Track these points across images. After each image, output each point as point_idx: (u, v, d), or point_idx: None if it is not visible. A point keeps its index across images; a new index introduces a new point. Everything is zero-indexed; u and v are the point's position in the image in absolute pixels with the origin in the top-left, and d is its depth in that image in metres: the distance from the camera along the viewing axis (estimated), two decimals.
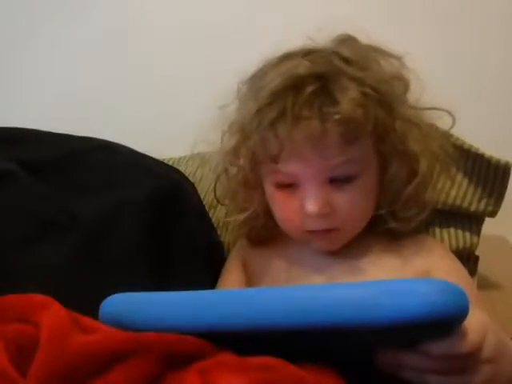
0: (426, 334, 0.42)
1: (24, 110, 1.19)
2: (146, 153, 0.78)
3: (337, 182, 0.61)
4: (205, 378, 0.40)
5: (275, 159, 0.60)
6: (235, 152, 0.66)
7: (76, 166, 0.71)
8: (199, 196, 0.76)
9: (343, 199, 0.61)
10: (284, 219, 0.65)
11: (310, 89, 0.58)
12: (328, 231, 0.62)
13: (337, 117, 0.57)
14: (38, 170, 0.69)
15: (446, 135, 0.70)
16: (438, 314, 0.38)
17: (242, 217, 0.69)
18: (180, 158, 0.92)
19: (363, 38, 0.67)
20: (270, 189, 0.65)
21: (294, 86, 0.59)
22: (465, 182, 0.71)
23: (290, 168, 0.61)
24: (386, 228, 0.64)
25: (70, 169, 0.71)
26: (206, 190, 0.81)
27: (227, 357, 0.43)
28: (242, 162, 0.65)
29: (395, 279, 0.45)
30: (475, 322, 0.43)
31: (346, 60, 0.62)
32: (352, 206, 0.61)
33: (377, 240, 0.66)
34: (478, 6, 1.02)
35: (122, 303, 0.49)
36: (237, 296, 0.45)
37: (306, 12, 1.04)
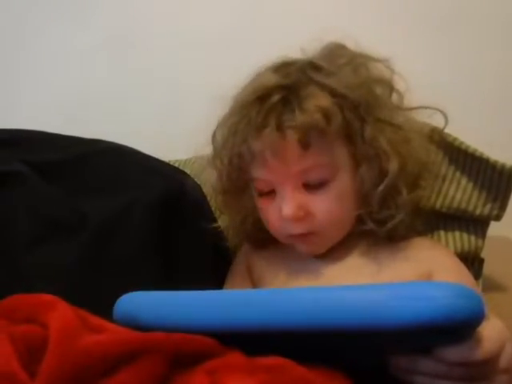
0: (441, 339, 0.42)
1: (27, 112, 1.20)
2: (153, 155, 0.78)
3: (311, 186, 0.62)
4: (213, 379, 0.40)
5: (245, 169, 0.63)
6: (213, 162, 0.69)
7: (85, 168, 0.72)
8: (206, 198, 0.77)
9: (318, 203, 0.62)
10: (268, 225, 0.67)
11: (273, 99, 0.61)
12: (307, 235, 0.64)
13: (292, 124, 0.59)
14: (47, 172, 0.70)
15: (444, 138, 0.71)
16: (453, 319, 0.38)
17: (224, 224, 0.72)
18: (186, 160, 0.92)
19: (353, 45, 0.68)
20: (255, 196, 0.67)
21: (261, 97, 0.61)
22: (469, 186, 0.71)
23: (261, 175, 0.63)
24: (366, 230, 0.65)
25: (78, 170, 0.72)
26: (211, 192, 0.81)
27: (235, 357, 0.43)
28: (217, 173, 0.68)
29: (410, 282, 0.45)
30: (493, 329, 0.43)
31: (317, 68, 0.64)
32: (328, 209, 0.62)
33: (364, 244, 0.67)
34: (474, 8, 1.02)
35: (138, 301, 0.49)
36: (249, 296, 0.45)
37: (305, 19, 1.05)
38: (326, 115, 0.60)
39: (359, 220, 0.65)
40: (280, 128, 0.59)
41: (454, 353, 0.42)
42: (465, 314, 0.39)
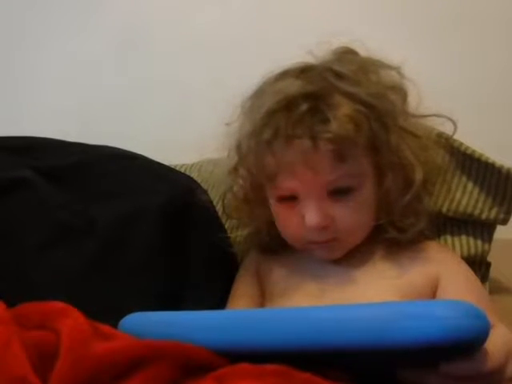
0: (448, 355, 0.42)
1: (33, 117, 1.21)
2: (159, 159, 0.79)
3: (335, 194, 0.62)
4: None
5: (272, 178, 0.62)
6: (235, 172, 0.68)
7: (93, 173, 0.72)
8: (213, 204, 0.77)
9: (342, 211, 0.62)
10: (287, 232, 0.66)
11: (301, 108, 0.59)
12: (328, 241, 0.63)
13: (328, 135, 0.58)
14: (55, 178, 0.71)
15: (450, 143, 0.71)
16: (458, 339, 0.39)
17: (244, 232, 0.71)
18: (193, 165, 0.92)
19: (362, 50, 0.68)
20: (272, 203, 0.66)
21: (287, 105, 0.60)
22: (476, 191, 0.71)
23: (288, 185, 0.62)
24: (386, 237, 0.65)
25: (86, 176, 0.72)
26: (218, 197, 0.82)
27: (243, 365, 0.44)
28: (241, 181, 0.67)
29: (416, 301, 0.45)
30: (499, 340, 0.44)
31: (339, 76, 0.63)
32: (351, 217, 0.62)
33: (378, 249, 0.67)
34: (479, 10, 1.02)
35: (141, 322, 0.50)
36: (254, 318, 0.46)
37: (312, 22, 1.05)
38: (357, 125, 0.59)
39: (380, 227, 0.65)
40: (313, 139, 0.59)
41: (460, 367, 0.42)
42: (472, 333, 0.39)
